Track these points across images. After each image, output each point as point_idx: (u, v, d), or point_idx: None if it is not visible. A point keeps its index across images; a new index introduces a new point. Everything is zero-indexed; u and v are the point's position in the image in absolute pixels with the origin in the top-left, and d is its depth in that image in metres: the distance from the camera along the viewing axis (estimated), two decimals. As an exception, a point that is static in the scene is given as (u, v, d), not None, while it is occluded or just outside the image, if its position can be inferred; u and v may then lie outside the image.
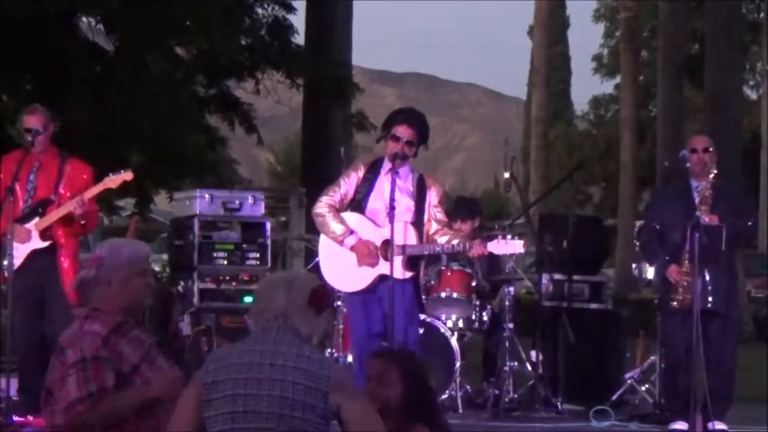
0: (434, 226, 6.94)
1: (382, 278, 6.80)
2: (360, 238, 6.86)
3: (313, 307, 3.96)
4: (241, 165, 22.77)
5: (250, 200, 9.45)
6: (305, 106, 16.48)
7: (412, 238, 6.86)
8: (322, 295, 3.99)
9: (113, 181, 7.51)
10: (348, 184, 7.03)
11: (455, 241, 6.91)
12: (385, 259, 6.77)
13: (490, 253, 8.20)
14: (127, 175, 7.54)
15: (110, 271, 4.60)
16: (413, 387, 4.32)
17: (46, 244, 7.37)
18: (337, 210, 6.97)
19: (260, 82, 15.46)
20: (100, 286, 4.59)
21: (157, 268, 18.48)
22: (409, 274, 6.87)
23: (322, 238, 7.09)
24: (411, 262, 6.90)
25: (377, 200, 6.87)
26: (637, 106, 30.85)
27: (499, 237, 6.91)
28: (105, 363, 4.45)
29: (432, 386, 4.47)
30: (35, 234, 7.37)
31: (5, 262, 7.26)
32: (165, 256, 12.04)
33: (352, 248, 6.87)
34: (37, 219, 7.39)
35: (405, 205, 6.91)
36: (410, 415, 4.29)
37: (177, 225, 9.66)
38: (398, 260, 6.82)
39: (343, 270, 6.95)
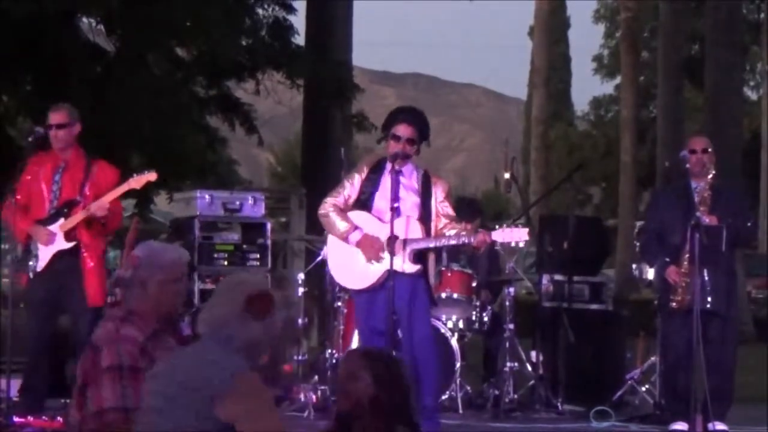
0: (443, 221, 6.97)
1: (396, 274, 6.85)
2: (365, 233, 6.91)
3: (249, 313, 3.88)
4: (241, 165, 22.65)
5: (251, 201, 9.45)
6: (305, 107, 16.48)
7: (417, 233, 6.89)
8: (258, 301, 3.90)
9: (137, 181, 7.53)
10: (352, 185, 7.08)
11: (462, 233, 6.91)
12: (391, 254, 6.81)
13: (493, 245, 8.24)
14: (150, 176, 7.56)
15: (147, 273, 4.54)
16: (386, 388, 4.17)
17: (70, 245, 7.36)
18: (342, 210, 7.01)
19: (260, 82, 15.47)
20: (135, 288, 4.53)
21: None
22: (415, 268, 6.89)
23: (330, 238, 7.13)
24: (417, 257, 6.93)
25: (382, 199, 6.91)
26: (637, 107, 30.87)
27: (504, 225, 6.88)
28: (141, 374, 4.36)
29: (408, 387, 4.35)
30: (60, 235, 7.36)
31: (30, 264, 7.30)
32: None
33: (358, 244, 6.93)
34: (62, 220, 7.38)
35: (411, 202, 6.96)
36: (385, 417, 4.19)
37: (177, 226, 9.66)
38: (404, 255, 6.87)
39: (350, 268, 7.01)
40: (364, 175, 7.08)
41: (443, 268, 8.82)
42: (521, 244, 6.88)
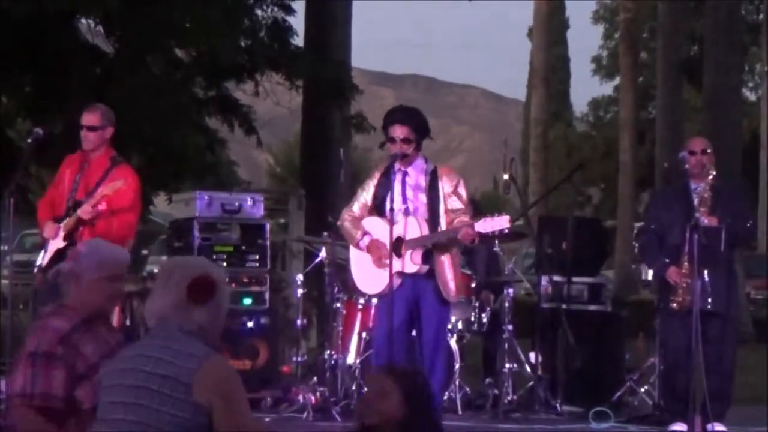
0: (450, 216, 6.98)
1: (404, 276, 6.89)
2: (372, 238, 6.96)
3: (192, 299, 3.88)
4: (240, 166, 22.68)
5: (250, 202, 9.44)
6: (304, 108, 16.47)
7: (419, 232, 6.90)
8: (200, 286, 3.89)
9: (109, 188, 7.52)
10: (366, 191, 7.19)
11: (450, 228, 6.91)
12: (398, 255, 6.84)
13: (492, 245, 8.25)
14: (118, 183, 7.56)
15: (82, 268, 4.58)
16: (417, 410, 4.15)
17: (65, 244, 7.37)
18: (357, 218, 7.08)
19: (260, 83, 15.46)
20: (70, 282, 4.58)
21: (156, 271, 18.47)
22: (414, 268, 6.90)
23: (351, 247, 7.28)
24: (424, 257, 6.94)
25: (391, 202, 6.94)
26: (636, 108, 30.87)
27: (486, 216, 6.85)
28: (57, 362, 4.41)
29: (435, 408, 4.34)
30: (61, 234, 7.38)
31: (39, 259, 7.35)
32: (164, 258, 12.02)
33: (367, 250, 7.01)
34: (67, 220, 7.41)
35: (418, 201, 6.98)
36: None
37: (176, 227, 9.66)
38: (408, 255, 6.91)
39: (367, 273, 7.13)
40: (376, 180, 7.16)
41: (460, 269, 8.80)
42: (505, 230, 6.83)
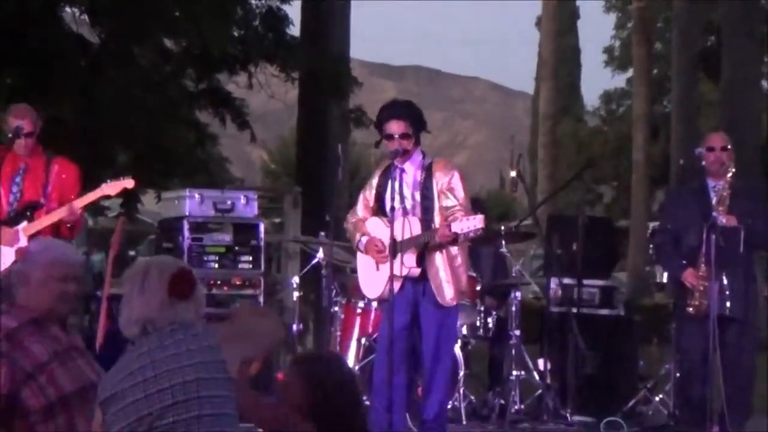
0: (445, 213, 6.95)
1: (402, 279, 6.90)
2: (369, 237, 6.99)
3: (175, 295, 3.91)
4: (232, 163, 22.70)
5: (243, 200, 9.44)
6: (301, 101, 16.47)
7: (417, 231, 6.91)
8: (181, 281, 3.91)
9: (112, 187, 7.54)
10: (368, 192, 7.21)
11: (428, 230, 6.90)
12: (393, 257, 6.84)
13: (499, 247, 8.23)
14: (127, 182, 7.58)
15: (31, 268, 4.59)
16: (323, 397, 4.18)
17: None
18: (360, 220, 7.19)
19: (253, 75, 15.46)
20: (19, 282, 4.59)
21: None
22: (408, 270, 6.90)
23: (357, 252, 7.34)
24: (418, 259, 6.95)
25: (389, 201, 6.99)
26: (650, 101, 30.87)
27: (461, 216, 6.77)
28: (1, 359, 4.41)
29: (350, 393, 4.33)
30: (23, 239, 7.36)
31: None
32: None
33: (366, 251, 7.04)
34: (25, 223, 7.38)
35: (413, 199, 6.99)
36: (328, 424, 4.19)
37: (165, 227, 9.65)
38: (404, 257, 6.91)
39: (369, 277, 7.18)
40: (376, 180, 7.18)
41: (465, 272, 8.79)
42: (479, 232, 6.81)
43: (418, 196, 7.00)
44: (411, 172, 7.06)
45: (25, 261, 4.65)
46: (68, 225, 7.40)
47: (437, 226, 6.92)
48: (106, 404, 3.91)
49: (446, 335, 7.14)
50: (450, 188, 6.99)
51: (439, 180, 6.99)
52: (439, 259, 6.97)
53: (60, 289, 4.61)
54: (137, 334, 3.94)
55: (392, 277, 6.78)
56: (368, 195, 7.21)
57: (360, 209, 7.24)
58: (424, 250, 6.95)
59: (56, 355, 4.51)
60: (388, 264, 6.86)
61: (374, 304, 8.42)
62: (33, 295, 4.57)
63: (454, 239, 6.79)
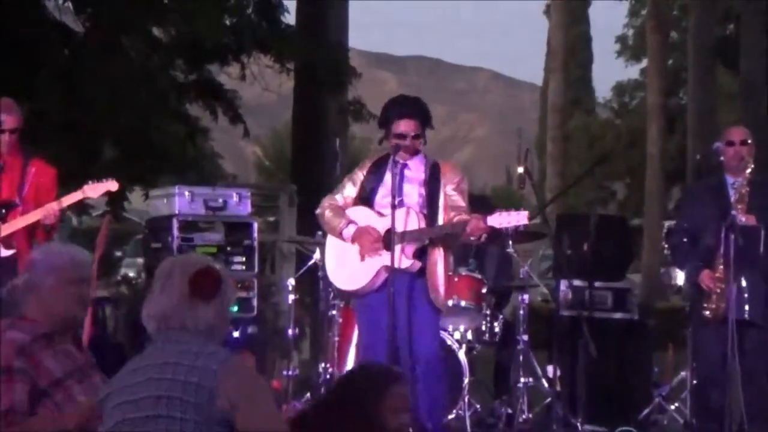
0: (450, 214, 6.95)
1: (394, 270, 6.83)
2: (359, 226, 6.95)
3: (196, 295, 3.91)
4: (224, 159, 22.70)
5: (235, 198, 9.44)
6: (296, 94, 16.46)
7: (415, 225, 6.89)
8: (203, 280, 3.92)
9: (93, 189, 7.54)
10: (353, 183, 7.18)
11: (455, 221, 6.88)
12: (387, 249, 6.81)
13: (505, 246, 8.20)
14: (110, 185, 7.58)
15: (40, 276, 4.56)
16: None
17: (9, 252, 7.36)
18: (340, 207, 7.07)
19: (246, 66, 15.44)
20: (28, 293, 4.57)
21: (131, 274, 18.49)
22: (409, 263, 6.88)
23: (328, 237, 7.24)
24: (418, 253, 6.92)
25: (386, 195, 6.93)
26: (665, 93, 30.85)
27: (500, 210, 6.80)
28: (18, 375, 4.39)
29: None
30: None
31: None
32: (140, 260, 12.04)
33: (353, 239, 7.00)
34: None
35: (416, 194, 6.99)
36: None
37: (154, 226, 9.66)
38: (400, 249, 6.87)
39: (347, 267, 7.07)
40: (366, 171, 7.15)
41: (449, 273, 8.80)
42: (521, 227, 6.79)
43: (422, 191, 7.00)
44: (415, 168, 7.07)
45: (32, 270, 4.60)
46: (45, 228, 7.39)
47: (439, 223, 6.93)
48: (102, 404, 3.96)
49: (435, 338, 7.16)
50: (460, 190, 7.04)
51: (448, 180, 7.03)
52: (440, 257, 6.98)
53: (77, 293, 4.60)
54: (153, 331, 3.97)
55: (393, 270, 6.75)
56: (352, 185, 7.15)
57: (340, 197, 7.18)
58: (427, 245, 6.94)
59: (72, 371, 4.49)
60: (379, 256, 6.84)
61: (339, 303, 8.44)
62: (47, 305, 4.54)
63: (482, 234, 6.76)
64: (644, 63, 37.93)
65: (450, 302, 8.71)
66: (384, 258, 6.86)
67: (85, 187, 7.54)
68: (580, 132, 42.68)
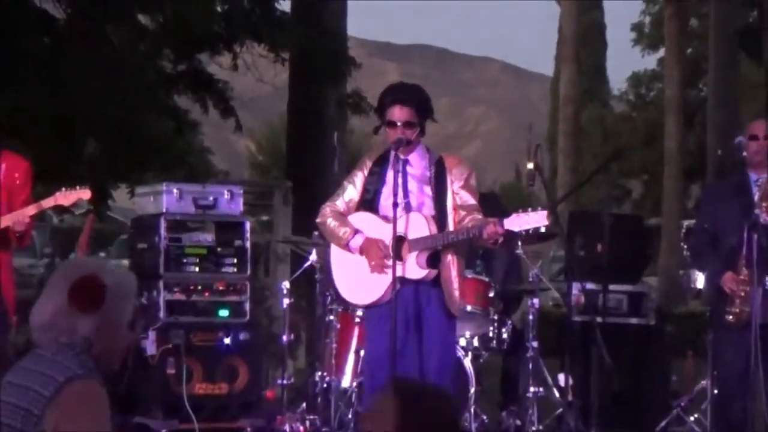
0: (461, 214, 6.90)
1: (403, 282, 6.80)
2: (367, 237, 6.89)
3: (74, 305, 3.72)
4: (215, 154, 22.80)
5: (227, 196, 9.43)
6: (292, 85, 16.46)
7: (424, 230, 6.84)
8: (83, 289, 3.74)
9: (65, 197, 7.55)
10: (353, 185, 7.10)
11: (470, 226, 6.83)
12: (398, 258, 6.77)
13: (513, 247, 8.16)
14: (83, 193, 7.58)
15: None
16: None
17: None
18: (342, 214, 7.01)
19: (238, 56, 15.45)
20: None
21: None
22: (422, 273, 6.84)
23: (333, 248, 7.18)
24: (431, 260, 6.90)
25: (389, 196, 6.86)
26: (684, 85, 30.87)
27: (519, 211, 6.75)
28: None
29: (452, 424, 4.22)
30: None
31: None
32: (125, 262, 12.03)
33: (360, 251, 6.93)
34: None
35: (422, 195, 6.94)
36: None
37: (139, 225, 9.65)
38: (412, 258, 6.83)
39: (356, 280, 7.02)
40: (366, 171, 7.07)
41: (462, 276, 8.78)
42: (542, 229, 6.75)
43: (429, 192, 6.95)
44: (417, 164, 7.00)
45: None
46: (17, 234, 7.38)
47: (450, 226, 6.88)
48: None
49: (451, 348, 7.14)
50: (469, 186, 6.97)
51: (455, 177, 6.97)
52: (453, 262, 6.95)
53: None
54: (35, 341, 3.79)
55: (395, 280, 6.73)
56: (353, 187, 7.08)
57: (341, 202, 7.09)
58: (439, 252, 6.90)
59: None
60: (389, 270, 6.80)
61: (358, 312, 8.42)
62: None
63: (498, 239, 6.72)
64: (662, 52, 37.91)
65: (456, 307, 8.73)
66: (397, 269, 6.80)
67: (58, 194, 7.55)
68: (594, 126, 42.67)
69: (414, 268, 6.84)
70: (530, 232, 6.70)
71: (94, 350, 3.75)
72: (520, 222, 6.64)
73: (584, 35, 35.64)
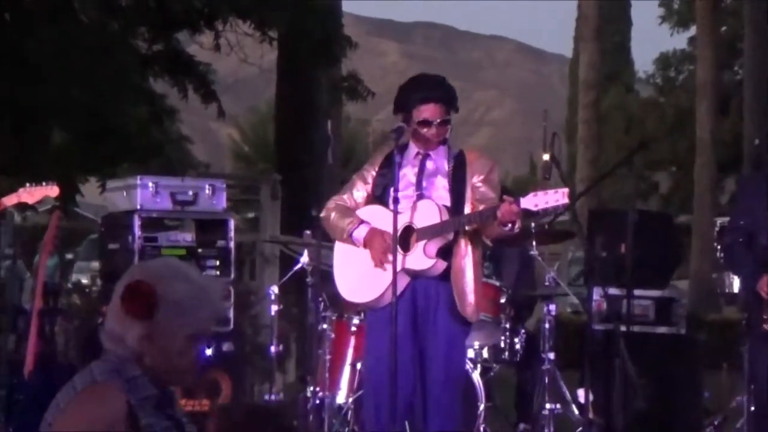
0: (477, 207, 6.91)
1: (409, 278, 6.82)
2: (372, 227, 6.93)
3: (127, 311, 3.84)
4: (195, 144, 22.75)
5: (208, 190, 9.45)
6: (280, 67, 16.49)
7: (438, 219, 6.85)
8: (132, 295, 3.83)
9: (30, 194, 7.58)
10: (364, 181, 7.16)
11: (483, 208, 6.82)
12: (405, 249, 6.78)
13: (526, 248, 8.15)
14: (50, 190, 7.60)
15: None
16: None
17: None
18: (348, 208, 7.08)
19: (221, 34, 15.45)
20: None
21: (85, 281, 18.51)
22: (429, 263, 6.84)
23: (337, 245, 7.21)
24: (442, 253, 6.89)
25: (403, 188, 6.90)
26: (717, 66, 30.85)
27: (538, 190, 6.71)
28: None
29: None
30: None
31: None
32: (95, 264, 12.05)
33: (365, 243, 6.97)
34: None
35: (440, 186, 6.99)
36: None
37: (111, 223, 9.66)
38: (419, 248, 6.85)
39: (357, 277, 7.06)
40: (378, 166, 7.14)
41: (480, 277, 8.78)
42: (561, 209, 6.75)
43: (446, 183, 6.98)
44: (437, 159, 7.05)
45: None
46: None
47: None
48: None
49: (458, 355, 7.13)
50: (489, 180, 7.01)
51: (476, 171, 7.01)
52: (467, 257, 6.95)
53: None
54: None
55: (395, 275, 6.72)
56: (364, 183, 7.12)
57: (348, 197, 7.15)
58: (453, 243, 6.90)
59: None
60: (401, 256, 6.80)
61: (355, 320, 8.42)
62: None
63: (515, 221, 6.68)
64: (693, 30, 37.93)
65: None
66: (399, 261, 6.80)
67: (21, 191, 7.57)
68: (617, 112, 42.71)
69: (420, 257, 6.84)
70: (549, 211, 6.70)
71: (145, 361, 3.84)
72: (538, 201, 6.63)
73: (606, 12, 35.63)
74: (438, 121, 6.97)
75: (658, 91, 45.40)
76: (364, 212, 7.09)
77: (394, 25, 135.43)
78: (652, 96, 45.88)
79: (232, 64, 16.67)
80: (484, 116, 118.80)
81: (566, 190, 6.64)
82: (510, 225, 6.69)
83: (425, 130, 6.98)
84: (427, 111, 6.98)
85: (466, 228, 6.87)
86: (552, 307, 8.98)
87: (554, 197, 6.61)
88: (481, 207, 6.90)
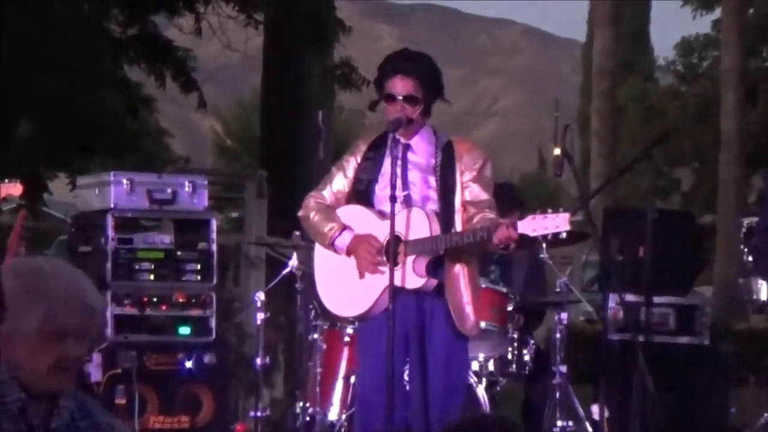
0: (471, 211, 6.90)
1: (400, 292, 6.81)
2: (356, 234, 6.90)
3: None
4: (174, 137, 22.79)
5: (188, 188, 9.46)
6: (267, 53, 16.49)
7: (425, 230, 6.85)
8: None
9: None
10: (344, 172, 7.12)
11: (478, 228, 6.82)
12: (391, 262, 6.77)
13: (536, 252, 8.18)
14: (12, 188, 7.60)
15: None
16: None
17: None
18: (330, 207, 7.01)
19: (202, 17, 15.46)
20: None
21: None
22: (420, 282, 6.85)
23: (317, 249, 7.19)
24: (432, 266, 6.90)
25: (386, 187, 6.87)
26: (744, 53, 30.87)
27: (536, 213, 6.71)
28: None
29: None
30: None
31: None
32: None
33: (348, 250, 6.94)
34: None
35: (426, 187, 6.95)
36: None
37: (82, 223, 9.67)
38: (409, 263, 6.84)
39: (343, 289, 7.04)
40: (360, 156, 7.09)
41: (477, 286, 8.79)
42: (562, 235, 6.77)
43: (434, 184, 6.95)
44: (422, 151, 7.00)
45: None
46: None
47: (457, 225, 6.88)
48: None
49: (458, 372, 7.14)
50: (481, 178, 6.97)
51: (466, 166, 6.97)
52: (460, 270, 6.94)
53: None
54: None
55: (392, 290, 6.73)
56: (343, 176, 7.10)
57: (329, 193, 7.11)
58: (443, 256, 6.90)
59: None
60: (381, 274, 6.80)
61: (348, 330, 8.43)
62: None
63: (510, 244, 6.70)
64: (717, 13, 37.97)
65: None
66: (388, 276, 6.79)
67: None
68: (634, 102, 42.71)
69: (410, 275, 6.84)
70: (549, 238, 6.71)
71: (9, 365, 3.91)
72: (536, 225, 6.65)
73: (623, -8, 35.66)
74: (403, 95, 6.89)
75: (680, 80, 45.39)
76: (345, 214, 7.04)
77: (391, 7, 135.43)
78: (672, 85, 45.87)
79: (214, 50, 16.70)
80: (491, 107, 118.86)
81: (567, 215, 6.65)
82: (506, 247, 6.75)
83: (390, 106, 6.92)
84: (394, 84, 6.92)
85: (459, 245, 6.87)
86: (564, 315, 8.99)
87: (554, 223, 6.62)
88: (473, 211, 6.89)
